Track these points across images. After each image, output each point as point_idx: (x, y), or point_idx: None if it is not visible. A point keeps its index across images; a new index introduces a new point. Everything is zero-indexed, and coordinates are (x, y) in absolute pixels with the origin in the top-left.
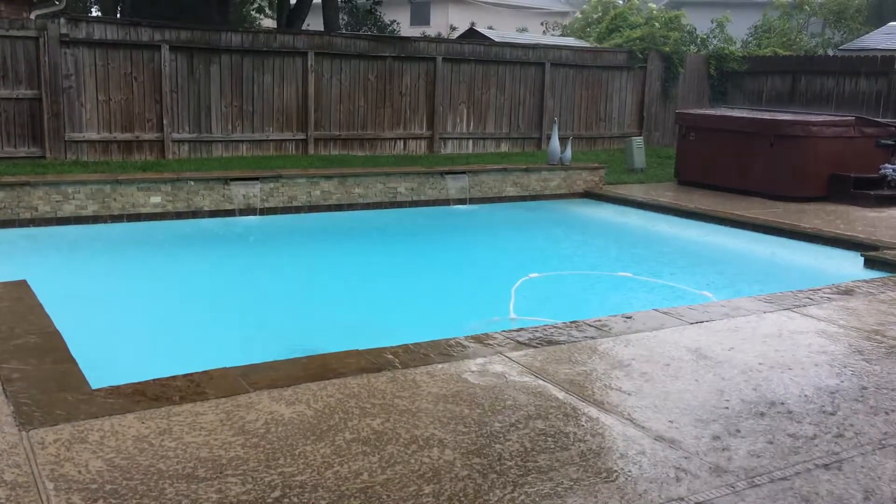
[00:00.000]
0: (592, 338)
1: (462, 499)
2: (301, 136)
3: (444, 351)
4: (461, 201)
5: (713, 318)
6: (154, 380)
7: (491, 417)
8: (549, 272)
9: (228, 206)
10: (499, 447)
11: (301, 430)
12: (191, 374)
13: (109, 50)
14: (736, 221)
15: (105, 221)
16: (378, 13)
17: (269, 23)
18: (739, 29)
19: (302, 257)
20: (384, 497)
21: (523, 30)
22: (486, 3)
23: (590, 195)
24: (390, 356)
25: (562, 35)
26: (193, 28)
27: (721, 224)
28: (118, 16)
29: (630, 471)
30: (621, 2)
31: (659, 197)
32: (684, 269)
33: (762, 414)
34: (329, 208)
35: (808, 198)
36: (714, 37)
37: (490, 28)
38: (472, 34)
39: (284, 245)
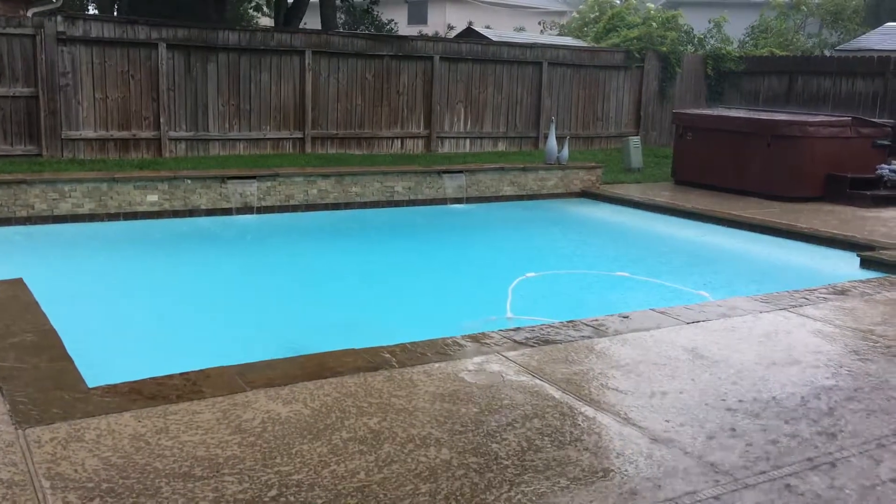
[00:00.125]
0: (589, 337)
1: (459, 498)
2: (298, 134)
3: (440, 350)
4: (458, 200)
5: (710, 318)
6: (151, 378)
7: (488, 416)
8: (545, 271)
9: (225, 205)
10: (495, 446)
11: (298, 429)
12: (187, 373)
13: (106, 48)
14: (733, 221)
15: (101, 220)
16: (375, 12)
17: (266, 21)
18: (736, 29)
19: (299, 256)
20: (381, 496)
21: (521, 29)
22: (483, 2)
23: (587, 195)
24: (387, 355)
25: (559, 34)
26: (190, 26)
27: (718, 224)
28: (115, 14)
29: (626, 470)
30: (618, 1)
31: (656, 197)
32: (681, 269)
33: (758, 414)
34: (326, 207)
35: (805, 198)
36: (711, 37)
37: (487, 27)
38: (469, 33)
39: (281, 244)
